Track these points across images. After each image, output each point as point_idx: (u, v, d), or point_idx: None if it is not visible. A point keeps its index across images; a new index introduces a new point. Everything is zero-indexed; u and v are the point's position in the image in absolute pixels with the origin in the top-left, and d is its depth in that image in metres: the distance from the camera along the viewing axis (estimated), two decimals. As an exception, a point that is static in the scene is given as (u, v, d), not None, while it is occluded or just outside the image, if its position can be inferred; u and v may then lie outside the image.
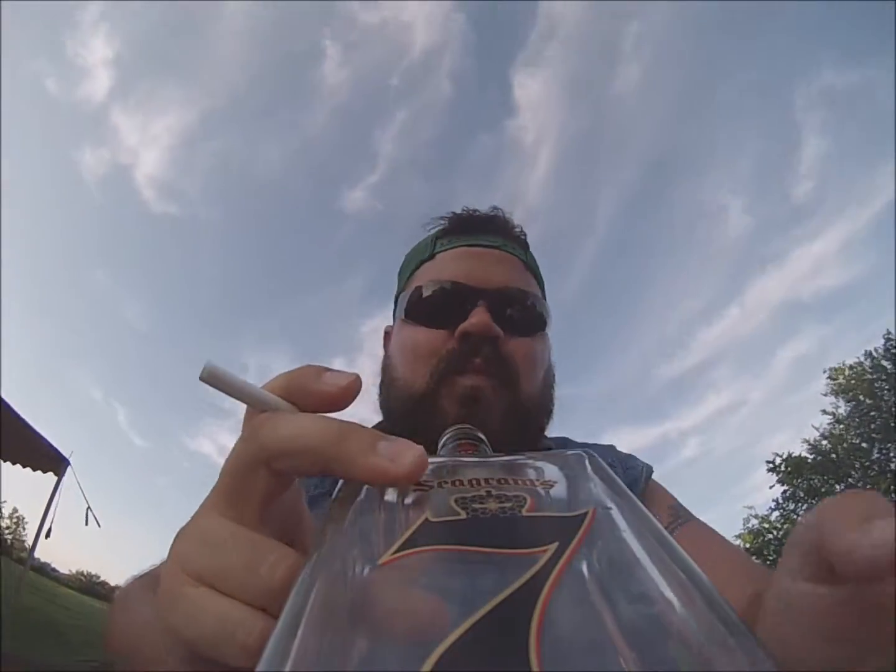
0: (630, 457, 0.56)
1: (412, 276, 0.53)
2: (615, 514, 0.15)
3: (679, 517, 0.47)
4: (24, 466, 5.05)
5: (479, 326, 0.43)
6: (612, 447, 0.58)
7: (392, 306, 0.58)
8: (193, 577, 0.17)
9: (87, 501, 5.05)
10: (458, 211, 0.54)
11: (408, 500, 0.16)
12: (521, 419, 0.46)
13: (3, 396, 4.05)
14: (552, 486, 0.17)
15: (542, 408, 0.51)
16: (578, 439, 0.61)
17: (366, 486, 0.17)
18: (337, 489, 0.18)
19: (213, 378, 0.18)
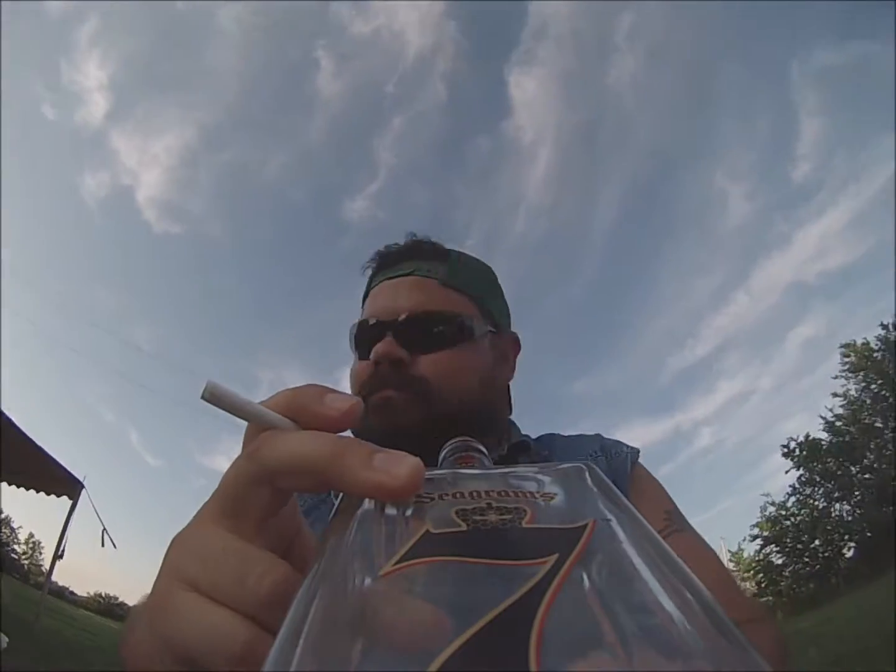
0: (616, 444, 0.57)
1: (362, 312, 0.62)
2: (615, 525, 0.15)
3: (672, 525, 0.48)
4: (38, 491, 5.09)
5: (380, 353, 0.50)
6: (598, 436, 0.60)
7: None
8: (185, 585, 0.18)
9: (102, 523, 5.10)
10: (381, 248, 0.64)
11: (408, 513, 0.16)
12: (442, 427, 0.47)
13: (16, 422, 4.10)
14: (552, 497, 0.17)
15: (477, 412, 0.53)
16: (590, 432, 0.61)
17: (366, 499, 0.17)
18: (338, 502, 0.18)
19: (214, 397, 0.18)
